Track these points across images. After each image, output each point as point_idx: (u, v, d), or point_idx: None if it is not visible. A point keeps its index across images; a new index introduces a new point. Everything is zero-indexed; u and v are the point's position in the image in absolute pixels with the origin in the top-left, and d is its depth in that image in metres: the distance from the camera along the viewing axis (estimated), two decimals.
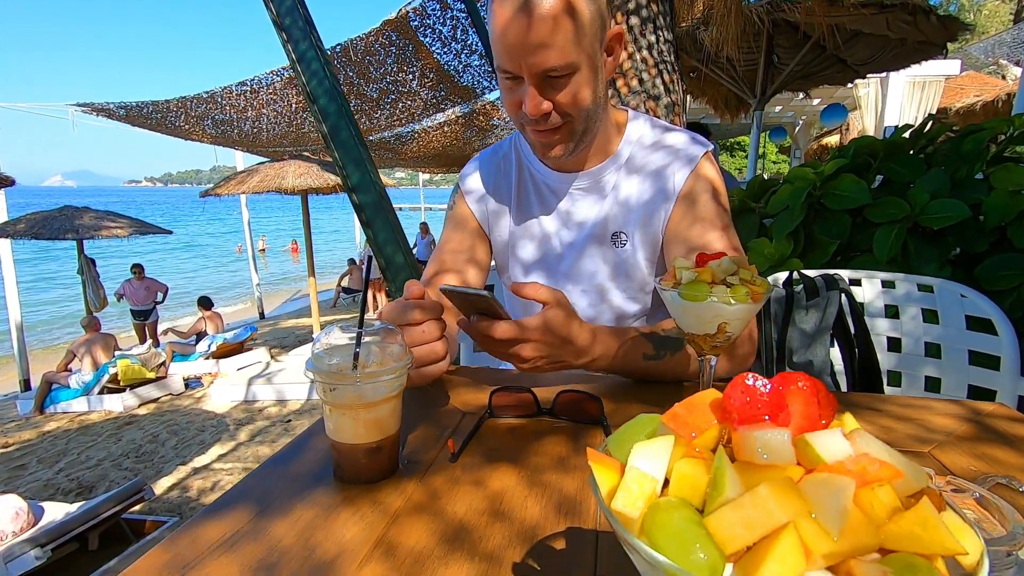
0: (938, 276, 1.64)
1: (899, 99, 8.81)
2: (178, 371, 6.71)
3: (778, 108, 11.33)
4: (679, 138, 1.00)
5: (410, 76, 6.46)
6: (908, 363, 1.07)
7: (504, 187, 1.07)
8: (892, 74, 8.31)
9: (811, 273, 1.20)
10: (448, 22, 5.81)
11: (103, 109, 6.98)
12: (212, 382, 6.29)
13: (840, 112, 9.41)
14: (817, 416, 0.21)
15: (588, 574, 0.41)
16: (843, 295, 0.85)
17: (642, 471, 0.20)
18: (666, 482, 0.21)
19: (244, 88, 6.52)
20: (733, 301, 0.51)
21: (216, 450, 4.43)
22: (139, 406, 5.79)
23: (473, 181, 1.09)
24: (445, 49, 6.23)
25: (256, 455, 4.27)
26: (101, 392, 5.86)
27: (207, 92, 6.62)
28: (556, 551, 0.44)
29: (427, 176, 21.35)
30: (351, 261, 11.57)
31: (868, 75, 7.46)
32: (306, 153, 7.44)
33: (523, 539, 0.45)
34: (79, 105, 6.91)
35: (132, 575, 0.41)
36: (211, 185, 7.43)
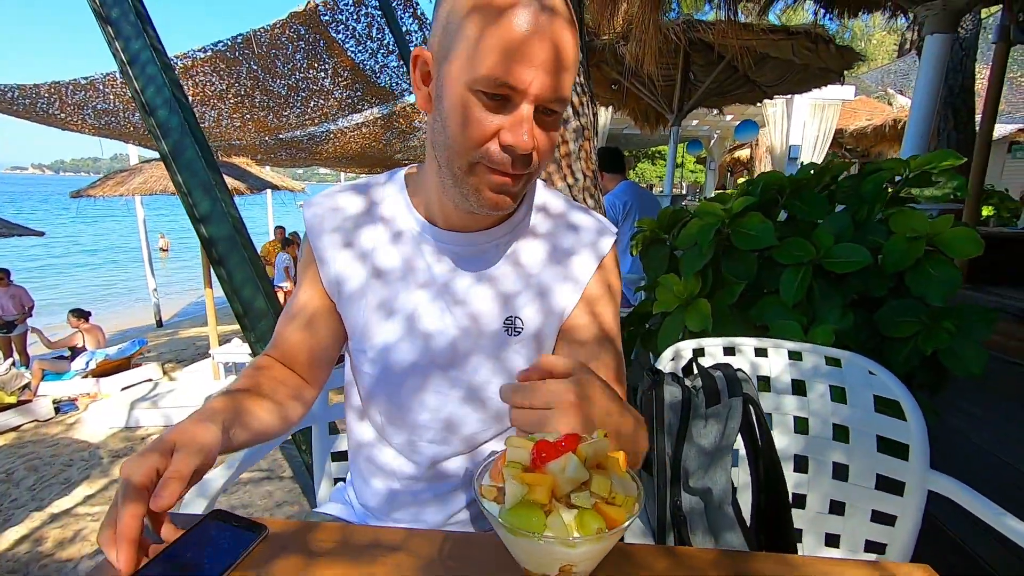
0: (841, 322, 1.61)
1: (803, 119, 9.39)
2: (49, 392, 5.92)
3: (695, 122, 11.80)
4: (586, 220, 0.84)
5: (322, 74, 6.05)
6: (815, 447, 0.97)
7: (370, 238, 0.81)
8: (796, 96, 8.82)
9: (712, 356, 1.08)
10: (363, 19, 5.48)
11: None
12: (88, 405, 5.58)
13: (752, 128, 9.91)
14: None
15: None
16: (748, 404, 0.73)
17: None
18: None
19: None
20: (579, 540, 0.33)
21: (83, 490, 3.88)
22: None
23: (323, 226, 0.80)
24: (360, 47, 5.88)
25: None
26: None
27: (85, 78, 5.89)
28: None
29: (351, 175, 20.53)
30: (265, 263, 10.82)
31: (775, 96, 7.87)
32: None
33: None
34: None
35: None
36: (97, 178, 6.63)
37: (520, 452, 0.39)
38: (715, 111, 9.58)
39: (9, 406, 5.29)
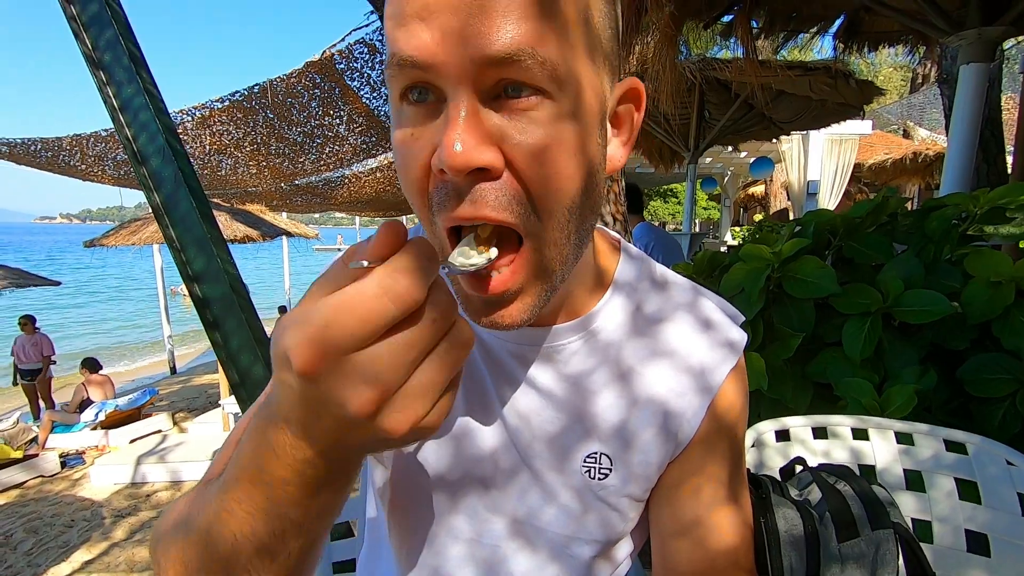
0: (922, 381, 1.40)
1: (820, 154, 9.28)
2: (58, 444, 5.78)
3: (708, 160, 11.75)
4: (709, 310, 0.59)
5: (337, 120, 6.10)
6: (945, 561, 0.76)
7: None
8: (812, 132, 8.74)
9: (799, 441, 0.88)
10: (377, 67, 5.52)
11: None
12: (95, 459, 5.41)
13: (767, 165, 9.82)
14: None
15: None
16: (900, 539, 0.53)
17: None
18: None
19: None
20: None
21: (81, 555, 3.67)
22: None
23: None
24: (375, 94, 5.93)
25: (131, 560, 3.55)
26: None
27: (106, 130, 5.99)
28: None
29: (366, 218, 20.72)
30: (282, 309, 10.70)
31: (792, 132, 7.79)
32: (216, 200, 6.83)
33: None
34: None
35: None
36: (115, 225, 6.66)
37: None
38: (729, 148, 9.53)
39: (15, 461, 5.14)
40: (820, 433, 0.89)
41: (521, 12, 0.36)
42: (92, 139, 5.98)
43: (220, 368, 6.32)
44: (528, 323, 0.45)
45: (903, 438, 0.84)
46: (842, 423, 0.87)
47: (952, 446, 0.80)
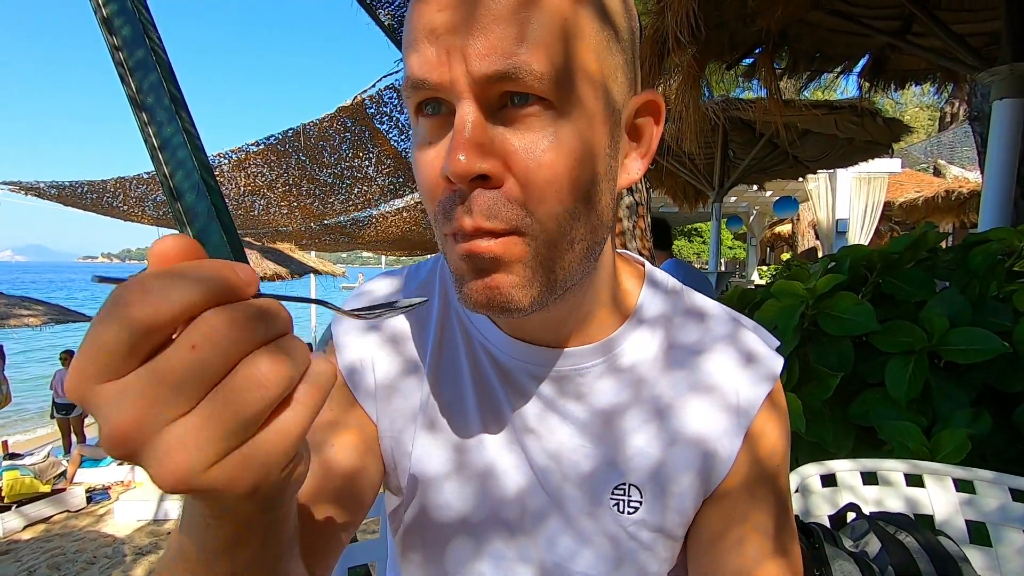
0: (976, 424, 1.32)
1: (847, 193, 9.16)
2: (85, 479, 5.82)
3: (733, 199, 11.70)
4: (746, 339, 0.56)
5: (366, 162, 6.28)
6: None
7: (403, 325, 0.58)
8: (839, 170, 8.65)
9: (847, 486, 0.82)
10: (406, 110, 5.71)
11: (32, 188, 6.53)
12: (120, 495, 5.42)
13: (792, 204, 9.72)
14: None
15: None
16: None
17: None
18: None
19: None
20: None
21: None
22: (23, 528, 4.87)
23: (360, 348, 0.56)
24: (403, 136, 6.11)
25: None
26: None
27: (148, 173, 6.28)
28: None
29: (392, 257, 21.07)
30: (307, 346, 10.81)
31: (818, 171, 7.73)
32: (247, 238, 7.04)
33: None
34: (4, 184, 6.45)
35: None
36: None
37: None
38: (755, 187, 9.49)
39: (43, 495, 5.19)
40: (869, 479, 0.82)
41: (517, 30, 0.38)
42: (135, 181, 6.26)
43: None
44: (524, 307, 0.43)
45: (963, 486, 0.77)
46: (894, 468, 0.81)
47: (1019, 495, 0.73)
